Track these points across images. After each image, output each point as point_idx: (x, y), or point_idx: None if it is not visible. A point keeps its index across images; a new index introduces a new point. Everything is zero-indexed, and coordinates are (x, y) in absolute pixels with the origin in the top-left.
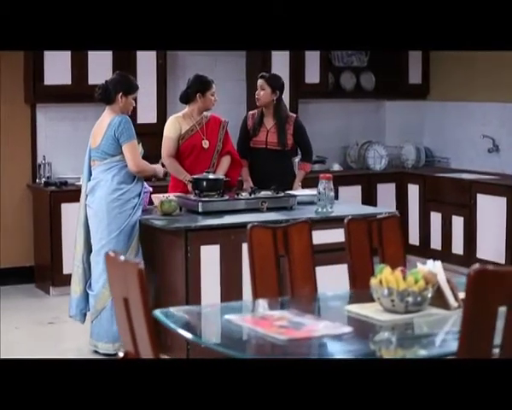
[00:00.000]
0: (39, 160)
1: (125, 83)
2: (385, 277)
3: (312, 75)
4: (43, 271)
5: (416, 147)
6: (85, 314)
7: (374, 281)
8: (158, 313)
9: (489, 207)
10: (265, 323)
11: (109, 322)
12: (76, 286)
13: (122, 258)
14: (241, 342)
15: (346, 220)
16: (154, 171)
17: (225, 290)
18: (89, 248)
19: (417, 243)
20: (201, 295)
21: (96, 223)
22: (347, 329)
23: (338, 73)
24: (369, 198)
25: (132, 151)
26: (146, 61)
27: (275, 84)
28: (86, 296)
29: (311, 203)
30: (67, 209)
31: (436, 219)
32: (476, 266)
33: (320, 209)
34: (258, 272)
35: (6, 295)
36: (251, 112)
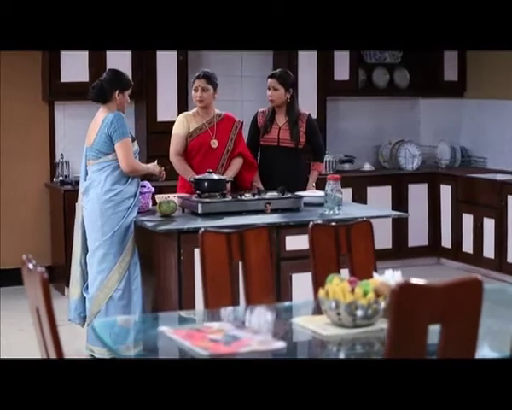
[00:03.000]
0: (57, 158)
1: (119, 80)
2: (332, 288)
3: (341, 72)
4: (59, 271)
5: (452, 146)
6: (85, 317)
7: (321, 292)
8: (94, 323)
9: None
10: (198, 336)
11: None
12: (74, 289)
13: (31, 265)
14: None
15: (310, 225)
16: (146, 170)
17: None
18: (86, 250)
19: (449, 246)
20: (195, 299)
21: (90, 224)
22: (279, 345)
23: (370, 70)
24: (399, 199)
25: (125, 150)
26: (166, 58)
27: (287, 82)
28: (84, 299)
29: (321, 205)
30: None
31: (468, 221)
32: (407, 280)
33: (327, 211)
34: (209, 279)
35: (22, 296)
36: (261, 109)
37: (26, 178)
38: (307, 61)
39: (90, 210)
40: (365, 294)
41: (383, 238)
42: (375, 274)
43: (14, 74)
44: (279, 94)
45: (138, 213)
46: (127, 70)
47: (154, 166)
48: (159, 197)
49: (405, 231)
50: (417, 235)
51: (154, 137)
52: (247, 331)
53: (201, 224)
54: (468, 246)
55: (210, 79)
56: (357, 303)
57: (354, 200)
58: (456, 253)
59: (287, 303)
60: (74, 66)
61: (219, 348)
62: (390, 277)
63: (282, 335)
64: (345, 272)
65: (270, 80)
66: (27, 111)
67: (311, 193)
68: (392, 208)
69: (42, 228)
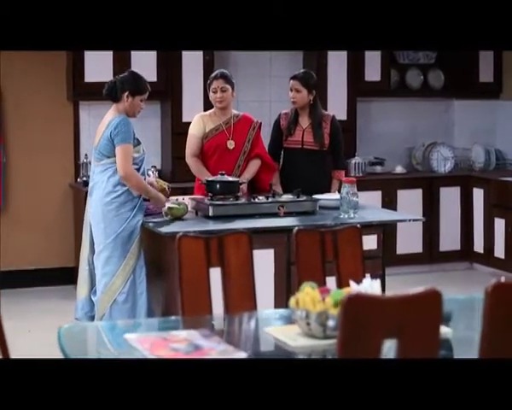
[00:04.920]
0: (82, 158)
1: (133, 83)
2: (302, 297)
3: (373, 73)
4: None
5: (486, 149)
6: (92, 317)
7: (292, 301)
8: (62, 329)
9: None
10: (161, 344)
11: None
12: (81, 289)
13: None
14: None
15: (294, 231)
16: (148, 191)
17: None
18: (93, 251)
19: (482, 251)
20: None
21: (94, 226)
22: (241, 355)
23: (403, 71)
24: (431, 203)
25: (123, 154)
26: (192, 58)
27: (310, 83)
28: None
29: (337, 208)
30: None
31: (500, 225)
32: (359, 292)
33: (342, 215)
34: (186, 286)
35: (43, 296)
36: (283, 111)
37: (51, 178)
38: (337, 61)
39: (93, 212)
40: (336, 304)
41: (414, 242)
42: (351, 283)
43: (40, 74)
44: (302, 96)
45: (150, 215)
46: (152, 70)
47: (158, 197)
48: (171, 199)
49: (437, 235)
50: (449, 239)
51: (179, 138)
52: (211, 341)
53: (212, 227)
54: (499, 251)
55: (227, 78)
56: (327, 313)
57: (384, 203)
58: (488, 258)
59: (267, 311)
60: (98, 65)
61: (179, 356)
62: (368, 286)
63: (249, 345)
64: (332, 281)
65: (292, 82)
66: (53, 111)
67: (327, 196)
68: (423, 212)
69: (66, 229)
